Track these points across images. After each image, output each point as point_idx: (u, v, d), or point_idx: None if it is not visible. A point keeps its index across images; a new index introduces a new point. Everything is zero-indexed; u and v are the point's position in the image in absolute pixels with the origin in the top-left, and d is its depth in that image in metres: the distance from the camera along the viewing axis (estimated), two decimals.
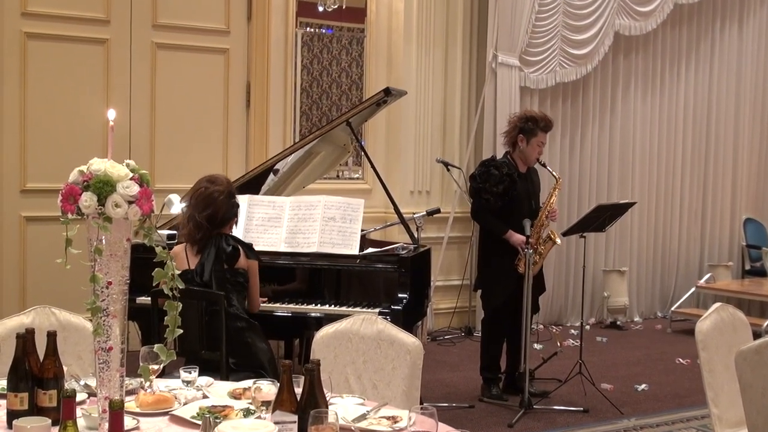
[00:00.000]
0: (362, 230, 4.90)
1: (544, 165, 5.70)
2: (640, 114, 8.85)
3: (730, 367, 3.18)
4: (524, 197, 5.61)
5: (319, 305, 4.61)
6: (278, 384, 2.42)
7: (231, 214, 4.17)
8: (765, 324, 7.54)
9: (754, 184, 9.71)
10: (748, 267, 9.52)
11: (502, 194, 5.46)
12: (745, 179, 9.59)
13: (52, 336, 2.56)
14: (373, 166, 5.19)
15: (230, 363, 3.94)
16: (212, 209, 4.09)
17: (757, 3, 9.42)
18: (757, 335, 3.60)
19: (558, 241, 5.66)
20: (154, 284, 2.49)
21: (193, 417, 2.58)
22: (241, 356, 3.99)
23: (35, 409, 2.48)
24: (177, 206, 4.71)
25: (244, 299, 4.18)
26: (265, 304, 4.48)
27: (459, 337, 7.75)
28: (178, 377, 2.94)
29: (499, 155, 5.83)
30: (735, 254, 9.57)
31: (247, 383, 2.86)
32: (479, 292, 5.97)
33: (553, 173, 5.76)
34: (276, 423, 2.31)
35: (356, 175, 7.75)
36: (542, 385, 5.89)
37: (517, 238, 5.46)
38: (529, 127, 5.57)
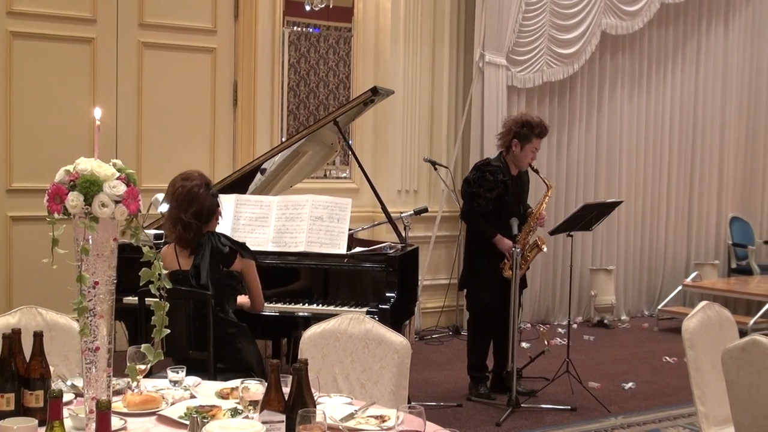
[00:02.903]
0: (350, 229, 4.90)
1: (536, 171, 5.70)
2: (627, 113, 8.88)
3: (716, 365, 3.19)
4: (514, 201, 5.61)
5: (306, 305, 4.61)
6: (266, 383, 2.42)
7: (214, 204, 4.09)
8: (751, 322, 7.57)
9: (740, 182, 9.76)
10: (734, 265, 9.58)
11: (495, 200, 5.47)
12: (731, 178, 9.64)
13: (38, 336, 2.55)
14: (360, 166, 5.19)
15: (218, 366, 3.92)
16: (197, 205, 4.01)
17: (742, 3, 9.47)
18: (743, 333, 3.62)
19: (544, 248, 5.66)
20: (141, 284, 2.48)
21: (180, 417, 2.57)
22: (231, 361, 3.97)
23: (21, 410, 2.47)
24: (164, 206, 4.69)
25: (235, 302, 4.16)
26: None
27: (447, 336, 7.75)
28: (166, 377, 2.94)
29: (487, 154, 5.83)
30: (721, 253, 9.62)
31: (235, 383, 2.85)
32: (464, 291, 5.98)
33: (546, 181, 5.74)
34: (264, 422, 2.30)
35: (344, 175, 7.75)
36: (530, 383, 5.90)
37: (505, 243, 5.46)
38: (524, 133, 5.56)
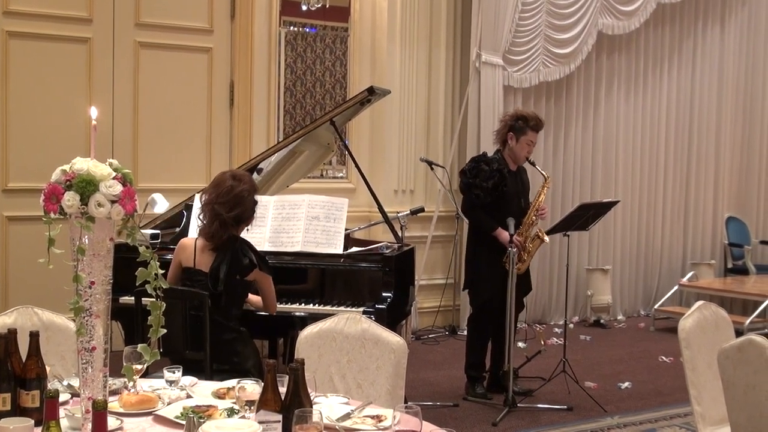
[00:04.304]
0: (346, 229, 4.90)
1: (533, 164, 5.73)
2: (623, 113, 8.89)
3: (712, 365, 3.20)
4: (513, 195, 5.63)
5: (303, 304, 4.61)
6: (262, 383, 2.41)
7: (253, 212, 4.19)
8: (747, 322, 7.58)
9: (735, 182, 9.77)
10: (730, 265, 9.59)
11: (492, 189, 5.48)
12: (727, 178, 9.66)
13: (34, 336, 2.55)
14: (357, 165, 5.18)
15: (216, 368, 3.92)
16: (241, 209, 4.09)
17: (738, 3, 9.49)
18: (739, 333, 3.63)
19: (546, 239, 5.68)
20: (137, 284, 2.48)
21: (176, 417, 2.57)
22: (229, 365, 3.98)
23: (18, 410, 2.47)
24: (160, 205, 4.69)
25: (240, 308, 4.17)
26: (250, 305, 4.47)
27: (443, 336, 7.75)
28: (162, 377, 2.93)
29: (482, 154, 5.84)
30: (717, 252, 9.63)
31: (231, 383, 2.85)
32: (466, 291, 5.98)
33: (543, 172, 5.78)
34: (260, 422, 2.30)
35: (340, 174, 7.75)
36: (526, 383, 5.90)
37: (506, 236, 5.47)
38: (519, 126, 5.60)
